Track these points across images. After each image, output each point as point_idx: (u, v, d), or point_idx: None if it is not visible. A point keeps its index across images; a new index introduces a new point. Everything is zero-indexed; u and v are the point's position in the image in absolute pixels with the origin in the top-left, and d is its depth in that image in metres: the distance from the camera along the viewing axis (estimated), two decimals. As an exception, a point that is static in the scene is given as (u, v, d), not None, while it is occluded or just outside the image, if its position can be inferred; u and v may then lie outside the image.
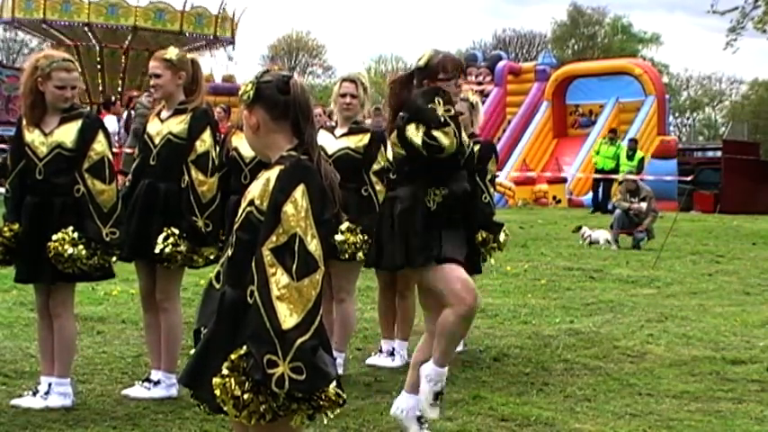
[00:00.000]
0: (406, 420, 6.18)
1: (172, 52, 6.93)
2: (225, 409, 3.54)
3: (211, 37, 38.91)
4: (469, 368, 7.98)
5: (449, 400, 6.43)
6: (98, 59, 36.82)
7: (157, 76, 6.87)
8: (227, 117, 19.51)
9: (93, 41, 36.82)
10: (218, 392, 3.52)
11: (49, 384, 6.54)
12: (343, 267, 7.38)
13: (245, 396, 3.49)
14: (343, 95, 7.58)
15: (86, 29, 36.21)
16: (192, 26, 37.47)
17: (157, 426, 6.22)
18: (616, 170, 26.45)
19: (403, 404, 6.22)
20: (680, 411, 6.97)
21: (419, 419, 6.16)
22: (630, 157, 26.73)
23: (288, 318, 3.48)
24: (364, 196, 7.39)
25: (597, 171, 27.14)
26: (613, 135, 28.00)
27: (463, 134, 6.21)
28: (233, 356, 3.52)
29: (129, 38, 36.66)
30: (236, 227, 3.73)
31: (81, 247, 6.27)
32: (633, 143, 27.85)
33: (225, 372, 3.52)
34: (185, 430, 6.15)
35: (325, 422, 3.68)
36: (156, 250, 6.66)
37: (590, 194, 29.10)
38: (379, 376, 7.67)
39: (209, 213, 6.76)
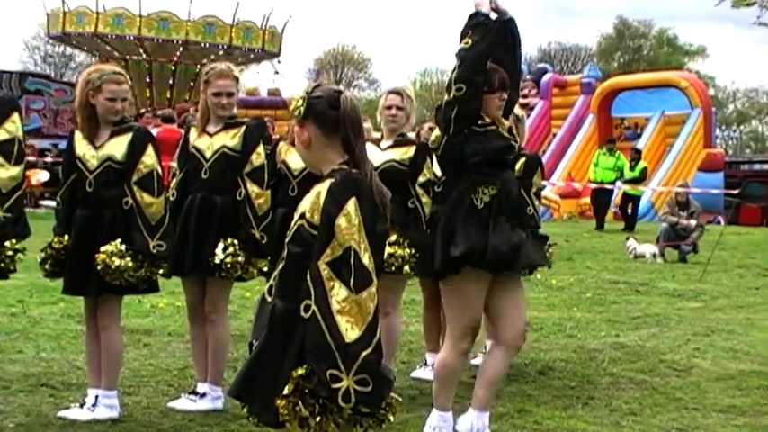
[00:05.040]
0: None
1: (235, 69, 7.03)
2: (289, 427, 3.55)
3: (259, 51, 39.06)
4: (515, 382, 7.96)
5: (494, 414, 6.42)
6: (148, 73, 37.13)
7: (231, 94, 6.94)
8: (272, 130, 19.56)
9: (144, 55, 37.10)
10: (283, 412, 3.53)
11: (96, 396, 6.57)
12: (390, 280, 7.36)
13: (313, 417, 3.49)
14: (389, 107, 7.59)
15: (138, 42, 36.50)
16: (241, 40, 37.68)
17: (203, 437, 6.26)
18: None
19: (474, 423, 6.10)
20: (727, 426, 6.92)
21: None
22: (633, 168, 25.41)
23: (350, 331, 3.49)
24: (410, 209, 7.37)
25: (595, 184, 25.62)
26: (612, 146, 26.60)
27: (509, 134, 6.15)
28: (294, 375, 3.54)
29: (180, 52, 36.88)
30: (287, 240, 3.75)
31: (128, 259, 6.29)
32: (636, 153, 26.36)
33: (287, 392, 3.53)
34: (231, 442, 6.18)
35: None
36: (216, 261, 6.70)
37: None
38: (425, 389, 7.64)
39: (264, 226, 6.82)
